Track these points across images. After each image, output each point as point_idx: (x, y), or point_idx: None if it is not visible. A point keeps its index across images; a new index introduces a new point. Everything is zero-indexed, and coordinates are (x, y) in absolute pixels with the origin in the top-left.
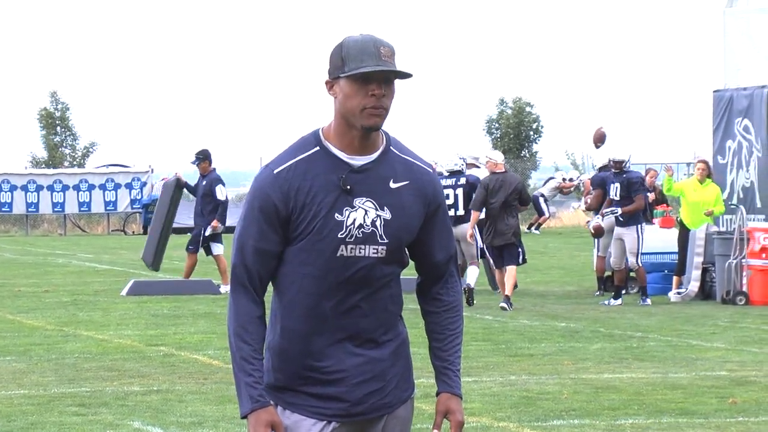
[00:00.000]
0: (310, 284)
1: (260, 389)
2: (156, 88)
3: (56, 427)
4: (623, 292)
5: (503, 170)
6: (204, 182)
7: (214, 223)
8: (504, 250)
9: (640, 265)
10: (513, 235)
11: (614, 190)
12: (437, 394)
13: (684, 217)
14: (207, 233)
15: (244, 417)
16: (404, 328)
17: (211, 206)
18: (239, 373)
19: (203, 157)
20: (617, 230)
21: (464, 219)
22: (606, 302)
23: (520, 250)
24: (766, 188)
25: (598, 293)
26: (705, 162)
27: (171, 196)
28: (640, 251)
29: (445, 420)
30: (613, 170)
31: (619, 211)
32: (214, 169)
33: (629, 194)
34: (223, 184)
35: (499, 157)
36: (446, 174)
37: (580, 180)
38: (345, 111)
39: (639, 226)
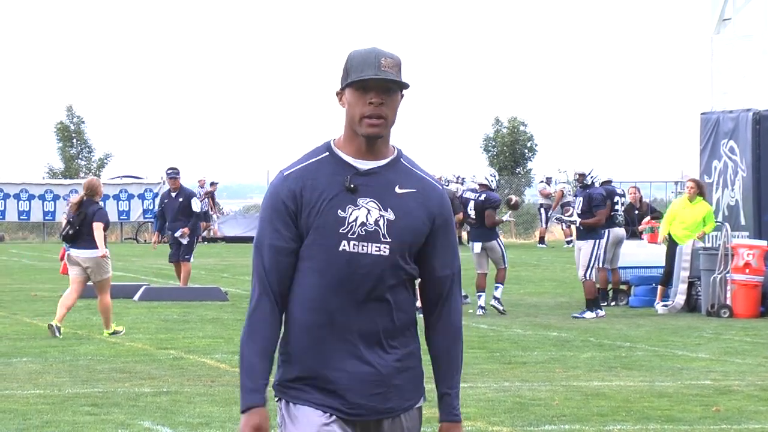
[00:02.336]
0: (313, 277)
1: (258, 390)
2: (167, 103)
3: (70, 425)
4: (613, 303)
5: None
6: (181, 198)
7: (185, 229)
8: None
9: (587, 278)
10: None
11: (577, 205)
12: (439, 421)
13: (673, 231)
14: (177, 234)
15: (242, 412)
16: (415, 340)
17: (188, 218)
18: (242, 371)
19: (178, 173)
20: (577, 242)
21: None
22: (577, 315)
23: None
24: (750, 206)
25: (604, 304)
26: (695, 181)
27: None
28: (590, 265)
29: None
30: (578, 184)
31: (578, 221)
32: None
33: (590, 209)
34: (198, 197)
35: (439, 174)
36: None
37: (555, 189)
38: (349, 119)
39: (596, 241)
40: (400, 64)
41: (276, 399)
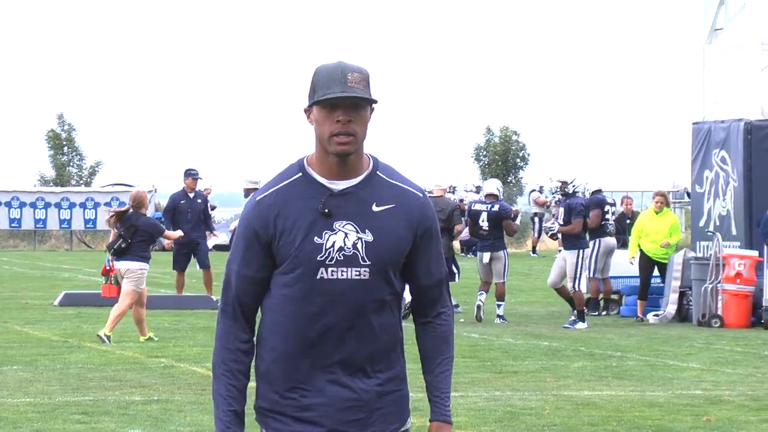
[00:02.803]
0: (292, 307)
1: (229, 419)
2: (158, 111)
3: None
4: (604, 313)
5: (439, 195)
6: (199, 199)
7: (216, 233)
8: None
9: (577, 289)
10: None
11: (560, 215)
12: (430, 420)
13: (643, 245)
14: (213, 242)
15: None
16: (401, 362)
17: (206, 221)
18: (217, 396)
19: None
20: (563, 252)
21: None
22: (568, 325)
23: (453, 267)
24: (741, 216)
25: (595, 314)
26: (661, 194)
27: None
28: (578, 276)
29: None
30: (560, 193)
31: (557, 228)
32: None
33: (570, 220)
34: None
35: (442, 183)
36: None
37: (554, 198)
38: (319, 137)
39: (580, 251)
40: (368, 77)
41: (256, 420)
